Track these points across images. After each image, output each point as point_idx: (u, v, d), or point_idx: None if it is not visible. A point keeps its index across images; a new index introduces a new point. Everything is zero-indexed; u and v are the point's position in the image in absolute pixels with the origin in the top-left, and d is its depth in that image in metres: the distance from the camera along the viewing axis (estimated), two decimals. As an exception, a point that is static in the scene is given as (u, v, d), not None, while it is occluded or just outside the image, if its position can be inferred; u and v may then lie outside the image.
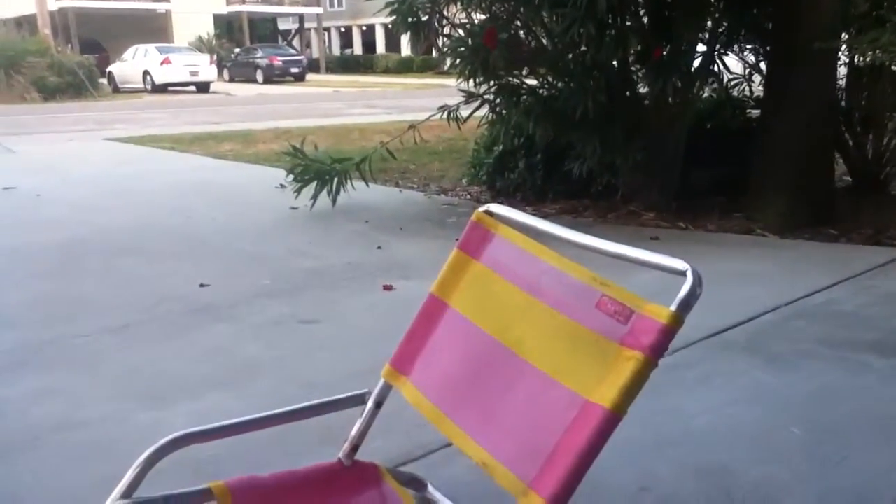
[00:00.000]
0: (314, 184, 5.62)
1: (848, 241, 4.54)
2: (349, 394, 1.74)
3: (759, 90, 6.20)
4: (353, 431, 1.74)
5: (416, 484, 1.87)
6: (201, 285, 3.81)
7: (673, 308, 1.22)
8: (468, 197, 6.31)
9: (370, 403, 1.73)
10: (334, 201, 5.57)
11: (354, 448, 1.75)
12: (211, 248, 4.73)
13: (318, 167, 5.65)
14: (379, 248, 4.58)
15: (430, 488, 1.86)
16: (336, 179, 5.61)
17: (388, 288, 3.70)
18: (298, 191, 5.61)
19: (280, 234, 5.08)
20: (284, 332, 3.20)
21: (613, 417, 1.21)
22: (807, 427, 2.20)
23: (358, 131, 11.20)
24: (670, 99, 5.24)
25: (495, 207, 1.65)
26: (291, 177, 5.69)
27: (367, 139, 9.88)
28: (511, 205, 6.08)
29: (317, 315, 3.39)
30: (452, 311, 1.63)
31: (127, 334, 3.22)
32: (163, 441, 1.51)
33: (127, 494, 1.48)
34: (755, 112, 6.12)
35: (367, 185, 5.74)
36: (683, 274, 1.24)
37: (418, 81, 28.09)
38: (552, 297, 1.44)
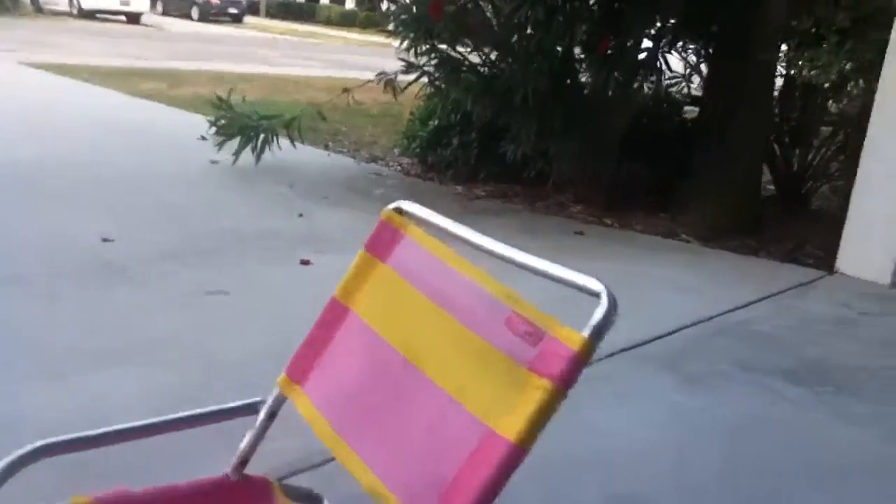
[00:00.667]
0: (238, 139, 5.36)
1: (768, 254, 4.60)
2: (240, 403, 1.60)
3: (696, 90, 6.22)
4: (243, 444, 1.60)
5: (312, 499, 1.74)
6: (104, 240, 3.57)
7: (585, 334, 1.12)
8: (398, 168, 6.15)
9: (263, 414, 1.59)
10: (258, 159, 5.33)
11: (243, 462, 1.61)
12: (118, 197, 4.45)
13: (243, 122, 5.39)
14: (300, 215, 4.39)
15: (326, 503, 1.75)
16: (262, 137, 5.36)
17: (305, 262, 3.54)
18: (220, 144, 5.35)
19: (196, 189, 4.83)
20: (190, 303, 3.01)
21: (518, 452, 1.11)
22: (722, 457, 2.18)
23: (292, 84, 10.84)
24: (611, 92, 5.18)
25: (406, 205, 1.51)
26: (214, 129, 5.41)
27: (301, 93, 9.56)
28: (441, 182, 5.97)
29: (226, 285, 3.20)
30: (354, 318, 1.49)
31: (13, 289, 2.98)
32: (22, 451, 1.32)
33: (-27, 511, 1.30)
34: (690, 113, 6.14)
35: (295, 145, 5.51)
36: (597, 295, 1.13)
37: (360, 38, 27.48)
38: (460, 309, 1.32)
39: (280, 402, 1.58)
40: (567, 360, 1.12)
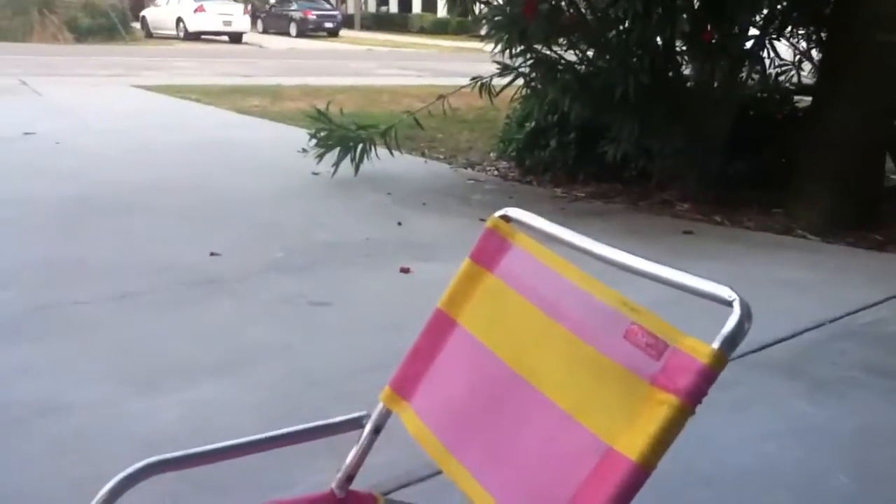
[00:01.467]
0: (337, 150, 5.42)
1: (895, 247, 4.28)
2: (345, 417, 1.56)
3: (807, 79, 5.89)
4: (349, 459, 1.56)
5: None
6: (211, 254, 3.65)
7: (716, 345, 1.02)
8: (496, 173, 6.08)
9: (368, 428, 1.55)
10: (357, 169, 5.37)
11: (349, 478, 1.57)
12: (226, 213, 4.56)
13: (342, 133, 5.45)
14: (399, 223, 4.38)
15: None
16: (360, 147, 5.40)
17: (405, 270, 3.52)
18: (321, 156, 5.42)
19: (299, 201, 4.90)
20: (293, 313, 3.03)
21: (641, 472, 1.02)
22: (855, 473, 2.00)
23: (388, 94, 10.94)
24: (716, 83, 4.96)
25: (513, 212, 1.44)
26: (314, 141, 5.49)
27: (397, 103, 9.64)
28: (539, 184, 5.87)
29: (328, 296, 3.21)
30: (461, 330, 1.43)
31: (126, 304, 3.07)
32: (132, 468, 1.33)
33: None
34: (801, 102, 5.81)
35: (392, 154, 5.53)
36: (729, 304, 1.04)
37: (453, 44, 27.62)
38: (574, 320, 1.24)
39: (385, 416, 1.54)
40: (695, 373, 1.02)
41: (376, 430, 1.55)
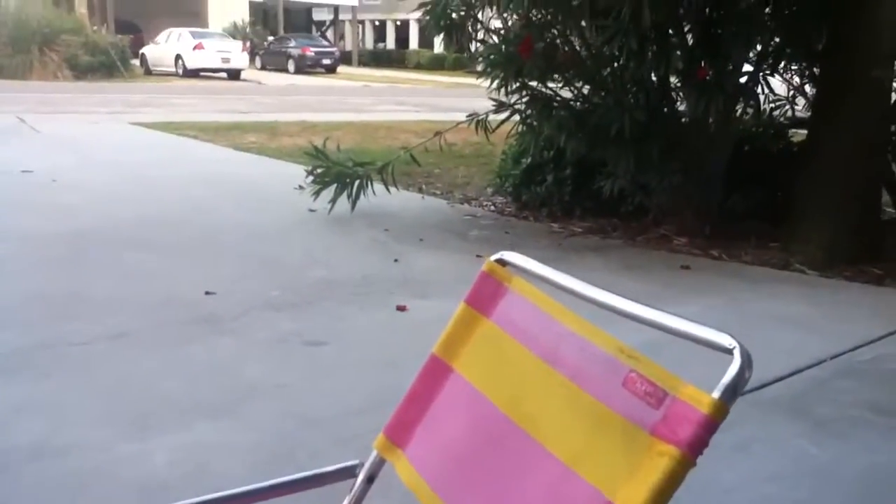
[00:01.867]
0: (334, 186, 5.43)
1: (894, 282, 4.27)
2: (337, 467, 1.53)
3: (801, 113, 5.93)
4: (344, 512, 1.54)
5: None
6: (206, 293, 3.63)
7: (716, 395, 1.00)
8: (492, 208, 6.08)
9: (361, 478, 1.52)
10: (353, 206, 5.37)
11: (342, 529, 1.54)
12: (223, 249, 4.55)
13: (338, 169, 5.46)
14: (396, 260, 4.37)
15: None
16: (357, 183, 5.41)
17: (401, 308, 3.50)
18: (317, 193, 5.42)
19: (295, 237, 4.89)
20: (288, 353, 3.00)
21: None
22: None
23: (385, 129, 11.01)
24: (711, 119, 4.99)
25: (509, 255, 1.42)
26: (311, 178, 5.50)
27: (394, 138, 9.69)
28: (536, 220, 5.88)
29: (324, 335, 3.19)
30: (456, 376, 1.40)
31: (124, 343, 3.05)
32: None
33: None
34: (795, 136, 5.85)
35: (389, 190, 5.54)
36: (730, 352, 1.02)
37: (449, 80, 27.87)
38: (573, 368, 1.22)
39: (379, 464, 1.51)
40: (696, 424, 1.00)
41: (369, 480, 1.52)
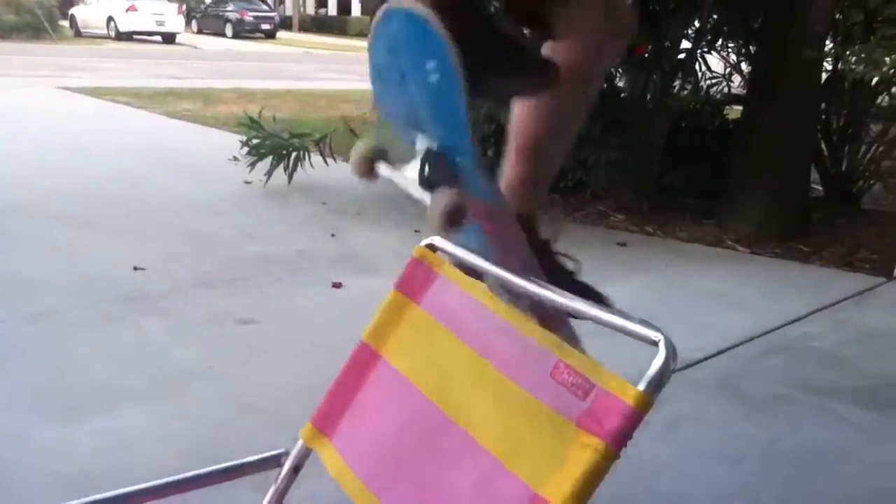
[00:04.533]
0: (270, 158, 5.31)
1: (820, 259, 4.39)
2: (262, 456, 1.49)
3: (737, 90, 6.02)
4: (266, 501, 1.50)
5: None
6: (135, 269, 3.52)
7: (641, 387, 1.01)
8: (433, 182, 6.03)
9: (287, 467, 1.48)
10: (290, 179, 5.27)
11: (269, 518, 1.51)
12: (154, 223, 4.41)
13: (274, 141, 5.34)
14: (333, 235, 4.30)
15: None
16: (294, 155, 5.30)
17: (337, 286, 3.44)
18: (252, 165, 5.30)
19: (230, 211, 4.78)
20: (220, 333, 2.93)
21: None
22: (787, 497, 2.01)
23: (325, 98, 10.82)
24: (649, 96, 5.02)
25: (440, 241, 1.39)
26: (246, 149, 5.37)
27: (335, 108, 9.53)
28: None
29: (258, 314, 3.12)
30: (385, 364, 1.37)
31: (46, 323, 2.93)
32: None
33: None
34: (732, 112, 5.94)
35: (327, 163, 5.44)
36: (655, 344, 1.03)
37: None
38: (501, 358, 1.20)
39: (305, 454, 1.47)
40: (620, 416, 1.00)
41: (295, 469, 1.48)
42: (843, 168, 5.81)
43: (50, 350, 2.70)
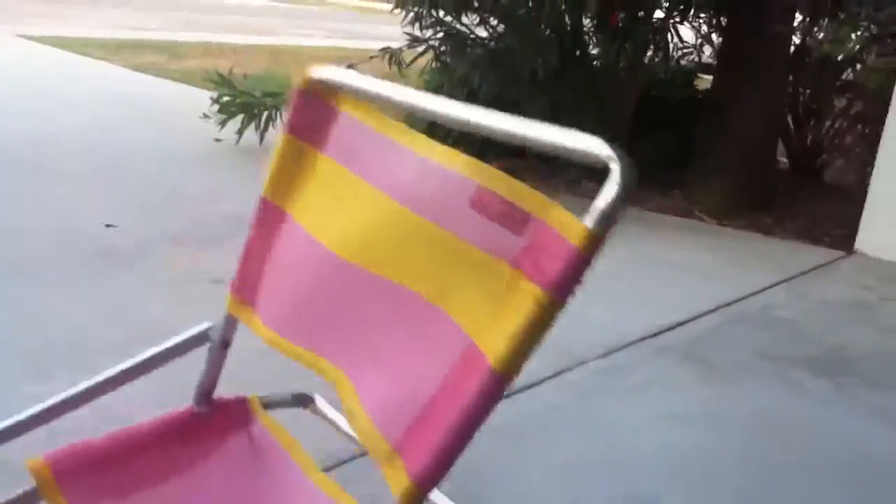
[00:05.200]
0: (241, 116, 5.25)
1: (784, 232, 4.51)
2: (188, 334, 1.39)
3: (707, 59, 6.08)
4: (201, 376, 1.41)
5: (303, 399, 1.56)
6: (107, 226, 3.49)
7: (589, 223, 0.81)
8: (404, 144, 6.03)
9: (216, 342, 1.39)
10: (262, 137, 5.22)
11: (207, 392, 1.41)
12: (123, 179, 4.36)
13: (245, 99, 5.27)
14: (306, 196, 4.29)
15: (319, 401, 1.55)
16: (265, 114, 5.25)
17: (311, 247, 3.45)
18: (223, 123, 5.23)
19: (201, 169, 4.73)
20: (194, 293, 2.93)
21: (499, 379, 0.83)
22: (743, 457, 2.11)
23: (293, 55, 10.65)
24: (621, 65, 5.06)
25: (329, 73, 1.16)
26: (216, 107, 5.30)
27: (303, 65, 9.32)
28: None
29: (232, 273, 3.11)
30: (293, 223, 1.20)
31: (19, 278, 2.90)
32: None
33: None
34: (702, 82, 6.01)
35: (299, 122, 5.38)
36: (606, 167, 0.82)
37: (364, 4, 27.11)
38: (420, 199, 1.00)
39: (232, 326, 1.37)
40: (564, 259, 0.81)
41: (225, 345, 1.40)
42: (808, 142, 5.93)
43: (22, 307, 2.68)
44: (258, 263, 1.26)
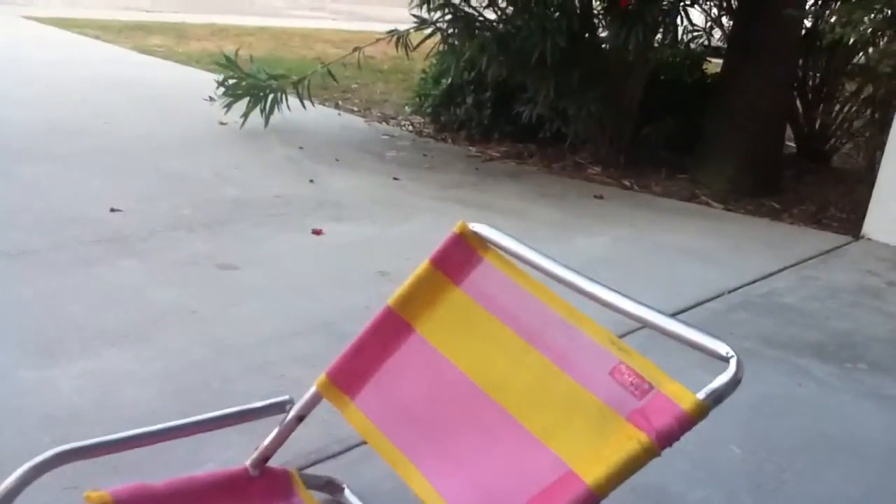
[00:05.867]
0: (246, 99, 5.24)
1: (790, 216, 4.48)
2: (268, 402, 1.54)
3: (717, 43, 6.03)
4: (267, 441, 1.55)
5: (332, 488, 1.71)
6: (112, 210, 3.49)
7: (701, 396, 1.07)
8: (410, 128, 6.01)
9: (291, 414, 1.53)
10: (267, 121, 5.20)
11: (265, 458, 1.56)
12: (128, 162, 4.36)
13: (251, 82, 5.25)
14: (311, 181, 4.29)
15: (347, 492, 1.71)
16: (270, 97, 5.23)
17: (317, 232, 3.45)
18: (229, 106, 5.22)
19: (206, 152, 4.73)
20: (200, 277, 2.93)
21: (592, 497, 1.05)
22: (747, 445, 2.10)
23: (300, 37, 10.60)
24: (630, 48, 5.01)
25: (481, 228, 1.42)
26: (222, 89, 5.28)
27: (309, 48, 9.37)
28: (454, 142, 5.84)
29: (238, 258, 3.13)
30: (419, 337, 1.42)
31: (24, 263, 2.91)
32: (40, 458, 1.28)
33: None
34: (710, 66, 5.96)
35: (304, 105, 5.38)
36: (726, 360, 1.09)
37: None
38: (556, 351, 1.26)
39: (313, 404, 1.52)
40: (672, 417, 1.05)
41: (300, 419, 1.54)
42: (817, 126, 5.88)
43: (28, 290, 2.69)
44: (369, 362, 1.43)
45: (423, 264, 1.43)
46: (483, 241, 1.41)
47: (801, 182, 5.22)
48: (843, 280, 3.45)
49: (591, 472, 1.05)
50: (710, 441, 2.13)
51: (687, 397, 1.06)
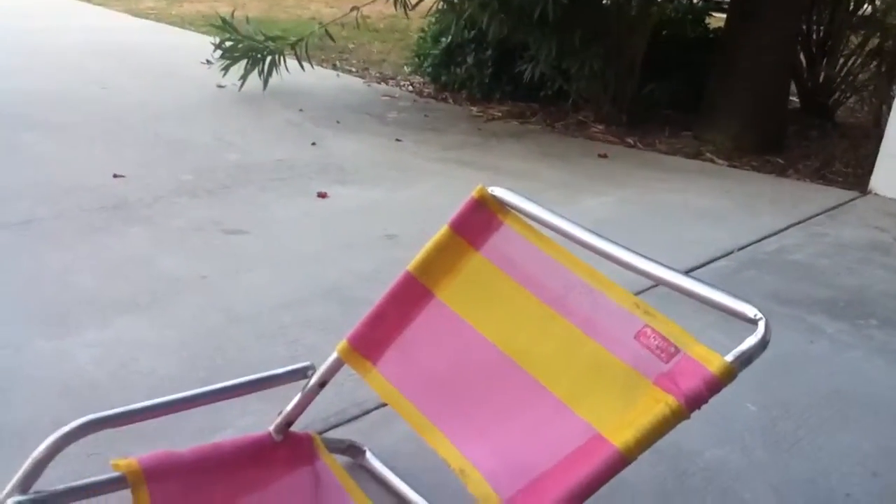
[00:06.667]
0: (244, 61, 5.17)
1: (795, 172, 4.46)
2: (290, 368, 1.54)
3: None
4: (290, 407, 1.55)
5: (354, 451, 1.73)
6: (115, 176, 3.46)
7: (729, 358, 1.06)
8: (410, 89, 5.95)
9: (313, 380, 1.53)
10: (266, 83, 5.14)
11: (288, 423, 1.57)
12: (127, 128, 4.32)
13: (249, 44, 5.18)
14: (313, 144, 4.25)
15: (369, 455, 1.72)
16: (269, 59, 5.16)
17: (322, 196, 3.43)
18: (226, 69, 5.16)
19: (205, 117, 4.68)
20: (207, 243, 2.92)
21: (621, 459, 1.04)
22: (762, 402, 2.11)
23: (294, -2, 10.45)
24: (633, 3, 4.94)
25: (501, 192, 1.40)
26: (219, 52, 5.21)
27: (304, 7, 9.24)
28: (455, 102, 5.78)
29: (244, 223, 3.11)
30: (439, 303, 1.41)
31: (29, 232, 2.89)
32: (68, 428, 1.29)
33: (25, 488, 1.26)
34: (713, 20, 5.88)
35: (303, 67, 5.31)
36: (754, 322, 1.08)
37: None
38: (580, 316, 1.25)
39: (334, 369, 1.52)
40: (700, 380, 1.04)
41: (321, 384, 1.54)
42: (821, 81, 5.82)
43: (35, 260, 2.67)
44: (390, 329, 1.41)
45: (442, 229, 1.40)
46: (503, 205, 1.39)
47: (805, 137, 5.18)
48: (852, 236, 3.44)
49: (620, 436, 1.05)
50: (724, 399, 2.13)
51: (715, 360, 1.05)
